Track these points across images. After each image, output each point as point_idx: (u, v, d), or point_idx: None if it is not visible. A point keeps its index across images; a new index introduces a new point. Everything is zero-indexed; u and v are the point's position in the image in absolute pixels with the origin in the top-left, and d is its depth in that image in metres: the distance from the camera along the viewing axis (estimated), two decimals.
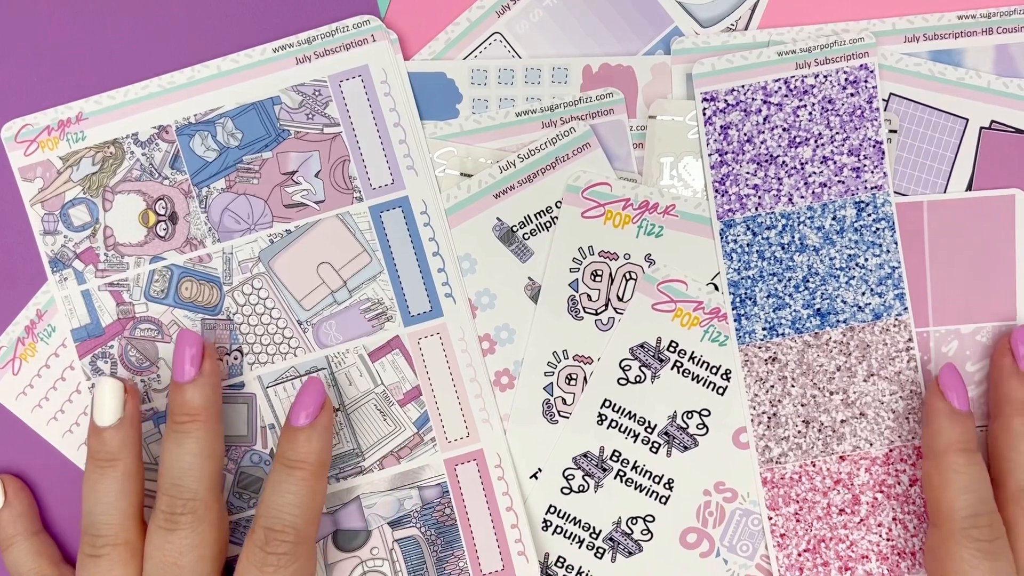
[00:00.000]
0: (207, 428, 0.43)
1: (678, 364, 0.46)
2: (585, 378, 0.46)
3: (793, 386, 0.46)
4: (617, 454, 0.46)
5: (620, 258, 0.46)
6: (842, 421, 0.46)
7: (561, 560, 0.46)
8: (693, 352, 0.46)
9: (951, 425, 0.43)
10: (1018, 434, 0.43)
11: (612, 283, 0.46)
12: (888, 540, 0.46)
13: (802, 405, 0.46)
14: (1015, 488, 0.43)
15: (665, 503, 0.46)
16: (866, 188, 0.46)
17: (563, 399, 0.46)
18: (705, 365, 0.46)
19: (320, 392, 0.43)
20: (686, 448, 0.46)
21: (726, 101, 0.46)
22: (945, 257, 0.46)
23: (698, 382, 0.46)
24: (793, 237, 0.46)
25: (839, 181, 0.46)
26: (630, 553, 0.46)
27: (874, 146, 0.46)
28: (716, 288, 0.46)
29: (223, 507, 0.44)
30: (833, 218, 0.46)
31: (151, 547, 0.42)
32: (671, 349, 0.46)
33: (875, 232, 0.46)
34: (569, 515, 0.46)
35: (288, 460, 0.42)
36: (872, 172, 0.46)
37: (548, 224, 0.47)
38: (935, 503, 0.42)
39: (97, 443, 0.43)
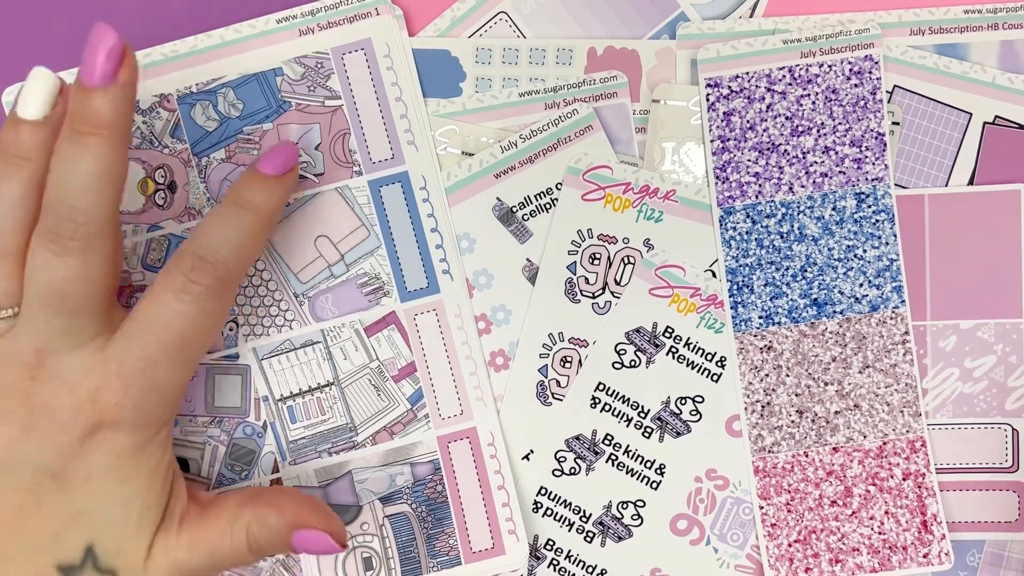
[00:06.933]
0: (111, 146, 0.37)
1: (673, 350, 0.46)
2: (580, 361, 0.46)
3: (788, 376, 0.46)
4: (609, 438, 0.46)
5: (619, 242, 0.46)
6: (836, 412, 0.46)
7: (551, 543, 0.46)
8: (688, 338, 0.46)
9: None
10: None
11: (610, 267, 0.46)
12: (880, 533, 0.45)
13: (796, 395, 0.46)
14: None
15: (656, 488, 0.46)
16: (867, 179, 0.46)
17: (557, 381, 0.46)
18: (700, 352, 0.46)
19: (294, 152, 0.41)
20: (679, 434, 0.46)
21: (730, 88, 0.46)
22: (945, 251, 0.46)
23: (693, 368, 0.46)
24: (792, 226, 0.46)
25: (840, 172, 0.46)
26: (620, 538, 0.46)
27: (876, 138, 0.46)
28: (714, 275, 0.46)
29: (119, 237, 0.40)
30: (833, 208, 0.46)
31: (32, 268, 0.38)
32: (667, 334, 0.46)
33: (874, 224, 0.46)
34: (560, 498, 0.46)
35: (243, 201, 0.40)
36: (873, 164, 0.46)
37: (548, 206, 0.46)
38: None
39: (11, 136, 0.38)
